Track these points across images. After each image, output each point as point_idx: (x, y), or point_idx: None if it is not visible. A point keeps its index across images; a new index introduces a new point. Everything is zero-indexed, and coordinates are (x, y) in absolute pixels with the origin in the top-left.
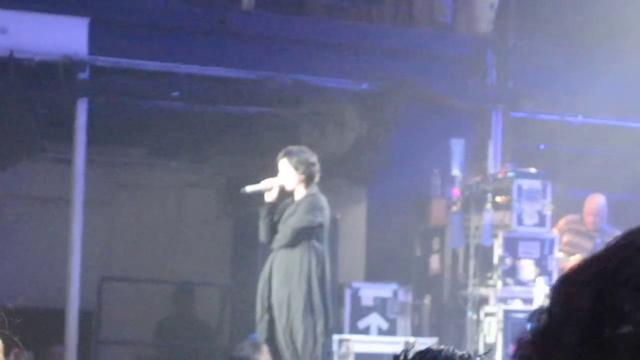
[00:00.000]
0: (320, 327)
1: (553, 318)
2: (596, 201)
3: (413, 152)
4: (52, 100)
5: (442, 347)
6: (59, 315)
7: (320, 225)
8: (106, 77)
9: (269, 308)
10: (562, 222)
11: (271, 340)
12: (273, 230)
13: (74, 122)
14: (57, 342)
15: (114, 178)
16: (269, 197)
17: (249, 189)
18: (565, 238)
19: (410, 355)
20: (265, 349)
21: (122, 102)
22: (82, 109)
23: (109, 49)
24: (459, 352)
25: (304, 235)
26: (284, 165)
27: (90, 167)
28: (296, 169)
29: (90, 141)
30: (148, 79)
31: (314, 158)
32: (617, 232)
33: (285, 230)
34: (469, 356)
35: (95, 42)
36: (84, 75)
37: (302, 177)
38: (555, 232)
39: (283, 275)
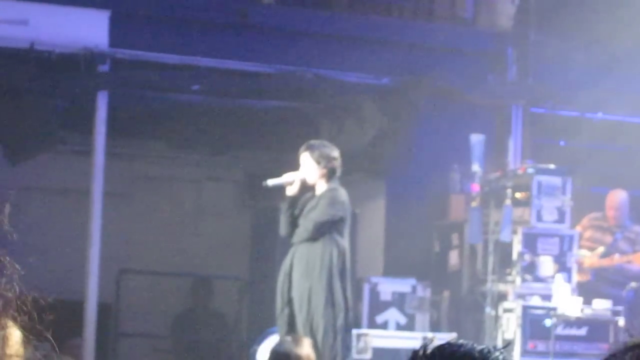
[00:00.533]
0: (340, 321)
1: None
2: (618, 196)
3: (433, 147)
4: (72, 92)
5: (461, 341)
6: (78, 308)
7: (342, 219)
8: (126, 69)
9: (289, 302)
10: (585, 220)
11: (291, 333)
12: (294, 224)
13: (94, 114)
14: (75, 334)
15: (133, 171)
16: (291, 190)
17: (271, 182)
18: (587, 234)
19: (429, 350)
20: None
21: (142, 95)
22: (103, 102)
23: (130, 41)
24: (477, 347)
25: (325, 229)
26: (306, 159)
27: (109, 159)
28: (318, 163)
29: (110, 134)
30: (168, 71)
31: (335, 152)
32: (637, 229)
33: (307, 223)
34: (489, 351)
35: (116, 35)
36: (104, 67)
37: (324, 171)
38: (578, 229)
39: (304, 269)
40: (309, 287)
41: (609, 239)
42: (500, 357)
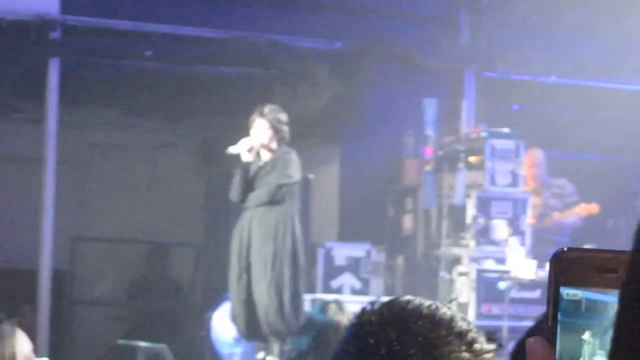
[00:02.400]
0: (302, 285)
1: None
2: (534, 155)
3: (386, 112)
4: (23, 59)
5: (408, 297)
6: (32, 276)
7: (297, 183)
8: (78, 36)
9: (248, 267)
10: None
11: (249, 301)
12: (248, 188)
13: (46, 81)
14: (30, 302)
15: (86, 138)
16: (247, 156)
17: (233, 149)
18: None
19: (377, 307)
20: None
21: (95, 62)
22: (54, 69)
23: (81, 8)
24: (426, 303)
25: (284, 191)
26: (261, 124)
27: (62, 127)
28: (273, 128)
29: (63, 101)
30: (121, 38)
31: (285, 117)
32: (562, 182)
33: (268, 187)
34: (437, 307)
35: (67, 2)
36: (55, 34)
37: (278, 135)
38: None
39: (266, 233)
40: (273, 251)
41: (537, 200)
42: (448, 312)
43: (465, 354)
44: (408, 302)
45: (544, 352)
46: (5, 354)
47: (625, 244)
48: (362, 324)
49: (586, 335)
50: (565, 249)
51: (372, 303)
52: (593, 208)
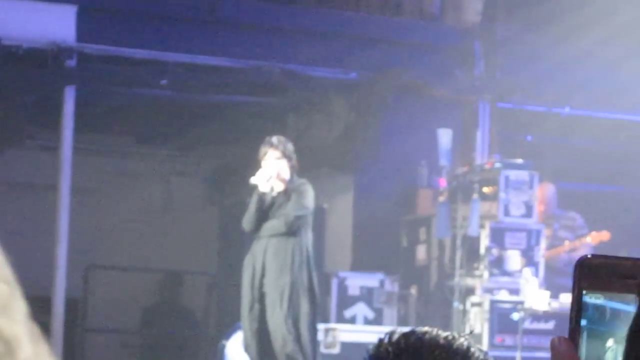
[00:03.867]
0: (318, 316)
1: None
2: (544, 190)
3: (400, 142)
4: (39, 87)
5: (426, 329)
6: (45, 303)
7: (312, 214)
8: (94, 64)
9: (261, 297)
10: None
11: (262, 331)
12: (262, 219)
13: (61, 109)
14: (43, 330)
15: (101, 166)
16: (264, 186)
17: (254, 180)
18: None
19: (395, 337)
20: None
21: (110, 90)
22: (70, 97)
23: (97, 36)
24: (442, 334)
25: (301, 222)
26: (274, 155)
27: (77, 154)
28: (288, 158)
29: (78, 129)
30: (136, 66)
31: (293, 147)
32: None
33: (286, 218)
34: (453, 337)
35: (83, 30)
36: (71, 62)
37: (293, 166)
38: None
39: (282, 263)
40: (290, 282)
41: (547, 232)
42: (465, 342)
43: None
44: (425, 333)
45: (568, 351)
46: None
47: None
48: (380, 354)
49: (610, 342)
50: (589, 255)
51: (390, 334)
52: (604, 235)
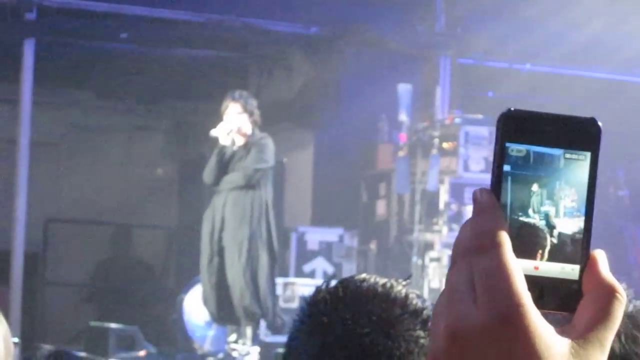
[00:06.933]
0: (276, 268)
1: None
2: None
3: (361, 97)
4: None
5: (363, 276)
6: (5, 256)
7: (272, 168)
8: (54, 17)
9: (220, 250)
10: None
11: (220, 284)
12: (222, 172)
13: (21, 62)
14: (1, 283)
15: (61, 119)
16: (226, 140)
17: (214, 132)
18: None
19: (332, 285)
20: None
21: (70, 43)
22: (29, 50)
23: None
24: (381, 281)
25: (260, 176)
26: (236, 109)
27: (36, 108)
28: (249, 112)
29: (37, 82)
30: (96, 19)
31: (256, 102)
32: None
33: (244, 171)
34: (392, 285)
35: None
36: (31, 15)
37: (254, 120)
38: None
39: (241, 216)
40: (249, 235)
41: None
42: (403, 290)
43: (420, 332)
44: (363, 280)
45: (489, 201)
46: None
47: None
48: (317, 302)
49: (535, 187)
50: (511, 108)
51: (327, 282)
52: None
